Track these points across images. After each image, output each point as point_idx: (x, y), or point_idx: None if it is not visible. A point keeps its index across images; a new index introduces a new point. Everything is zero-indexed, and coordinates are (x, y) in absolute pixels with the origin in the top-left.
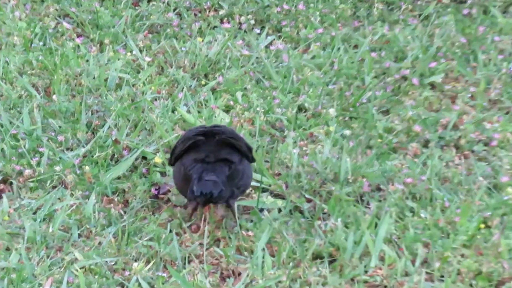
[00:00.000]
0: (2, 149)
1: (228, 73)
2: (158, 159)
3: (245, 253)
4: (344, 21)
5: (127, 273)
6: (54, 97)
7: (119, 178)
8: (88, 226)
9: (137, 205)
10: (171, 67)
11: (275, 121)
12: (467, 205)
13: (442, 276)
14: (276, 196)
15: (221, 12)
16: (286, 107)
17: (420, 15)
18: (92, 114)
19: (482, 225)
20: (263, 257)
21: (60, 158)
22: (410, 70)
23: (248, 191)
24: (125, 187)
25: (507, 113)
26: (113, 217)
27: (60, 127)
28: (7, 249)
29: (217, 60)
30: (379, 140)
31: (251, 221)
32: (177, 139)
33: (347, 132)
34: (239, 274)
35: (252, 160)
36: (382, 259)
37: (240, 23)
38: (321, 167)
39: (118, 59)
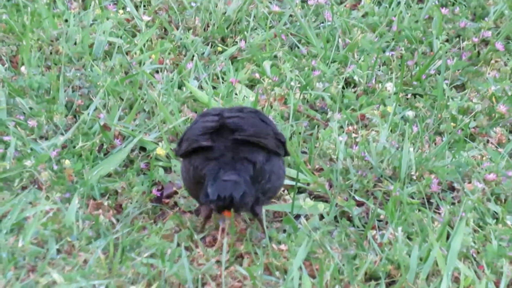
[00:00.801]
0: None
1: (252, 36)
2: (160, 151)
3: (277, 273)
4: None
5: None
6: (22, 69)
7: (109, 175)
8: (69, 239)
9: (134, 211)
10: (177, 29)
11: (314, 100)
12: None
13: None
14: (317, 198)
15: None
16: (330, 81)
17: None
18: (73, 91)
19: None
20: (300, 279)
21: (31, 149)
22: (492, 32)
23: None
24: (118, 187)
25: None
26: (103, 227)
27: (31, 108)
28: None
29: (238, 19)
30: (452, 124)
31: (284, 231)
32: (186, 124)
33: (410, 113)
34: None
35: (285, 154)
36: (456, 280)
37: None
38: (375, 159)
39: (107, 19)
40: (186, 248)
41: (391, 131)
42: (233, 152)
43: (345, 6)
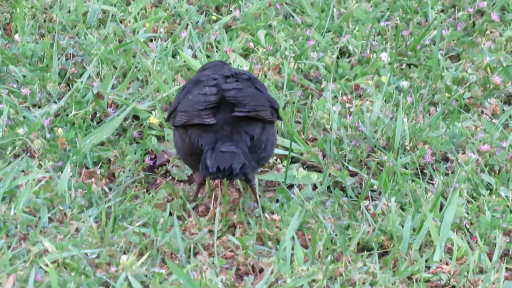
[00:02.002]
0: None
1: (247, 5)
2: (154, 119)
3: (269, 243)
4: None
5: (113, 268)
6: (16, 36)
7: (102, 144)
8: (61, 208)
9: (127, 180)
10: None
11: (309, 70)
12: None
13: None
14: (310, 168)
15: None
16: (324, 51)
17: None
18: (66, 59)
19: None
20: (293, 249)
21: (24, 117)
22: (488, 2)
23: (272, 160)
24: (111, 156)
25: None
26: (95, 195)
27: (24, 76)
28: None
29: None
30: (447, 94)
31: (277, 201)
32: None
33: (404, 83)
34: (261, 270)
35: (277, 118)
36: (449, 251)
37: None
38: (369, 130)
39: None
40: (179, 218)
41: (385, 101)
42: (232, 126)
43: None
